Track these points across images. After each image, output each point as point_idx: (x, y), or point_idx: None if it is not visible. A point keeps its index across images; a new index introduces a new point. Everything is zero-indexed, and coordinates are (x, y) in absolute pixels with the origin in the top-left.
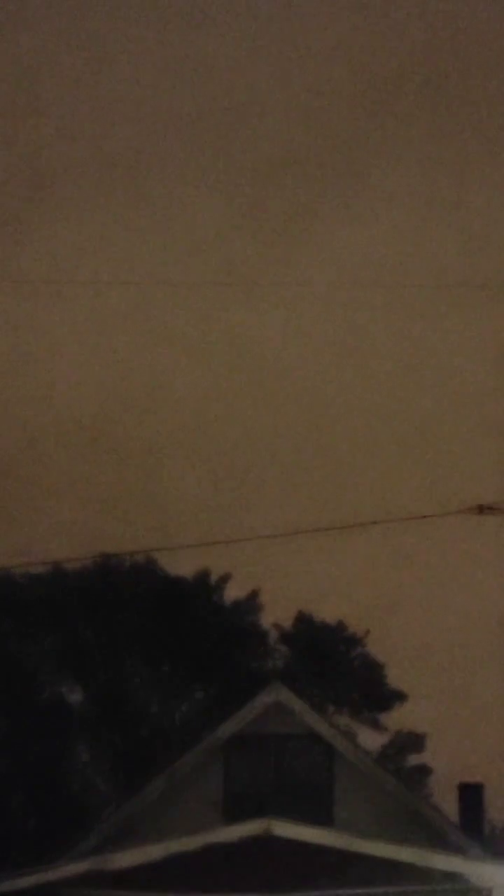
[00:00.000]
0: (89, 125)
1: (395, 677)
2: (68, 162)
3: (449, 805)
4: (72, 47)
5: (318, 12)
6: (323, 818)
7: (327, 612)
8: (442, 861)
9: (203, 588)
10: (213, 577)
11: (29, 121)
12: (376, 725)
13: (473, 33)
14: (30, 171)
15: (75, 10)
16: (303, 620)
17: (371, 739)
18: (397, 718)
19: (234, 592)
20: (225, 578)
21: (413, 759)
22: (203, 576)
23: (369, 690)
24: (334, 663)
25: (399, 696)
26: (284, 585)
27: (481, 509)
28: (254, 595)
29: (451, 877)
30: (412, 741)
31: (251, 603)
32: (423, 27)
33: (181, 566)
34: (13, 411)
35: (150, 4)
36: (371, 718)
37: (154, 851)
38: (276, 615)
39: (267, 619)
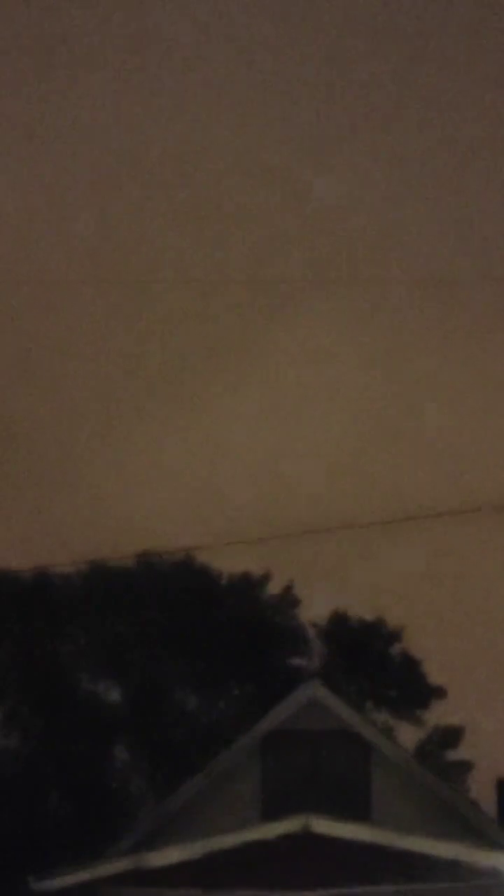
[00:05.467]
0: None
1: (434, 673)
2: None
3: (488, 801)
4: None
5: None
6: (361, 814)
7: (364, 611)
8: (480, 856)
9: (241, 585)
10: (253, 576)
11: None
12: (415, 721)
13: None
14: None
15: None
16: (338, 618)
17: (409, 735)
18: (436, 714)
19: (270, 589)
20: (266, 577)
21: (452, 755)
22: (243, 574)
23: (407, 687)
24: (371, 660)
25: (438, 693)
26: (321, 584)
27: None
28: (288, 589)
29: (489, 872)
30: (450, 736)
31: (287, 597)
32: None
33: (220, 563)
34: None
35: None
36: (409, 714)
37: (192, 849)
38: (312, 613)
39: (303, 616)
